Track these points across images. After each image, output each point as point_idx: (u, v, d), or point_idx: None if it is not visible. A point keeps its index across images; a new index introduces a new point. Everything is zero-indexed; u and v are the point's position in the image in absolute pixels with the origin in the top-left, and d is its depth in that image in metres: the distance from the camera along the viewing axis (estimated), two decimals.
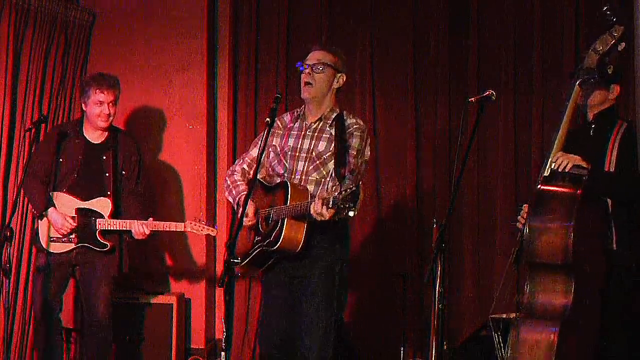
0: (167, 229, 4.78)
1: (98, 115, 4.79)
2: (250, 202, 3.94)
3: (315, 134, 3.97)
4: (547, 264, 3.49)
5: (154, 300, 5.46)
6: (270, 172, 4.07)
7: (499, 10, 5.54)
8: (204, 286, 5.76)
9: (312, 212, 3.65)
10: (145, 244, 5.81)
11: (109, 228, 4.76)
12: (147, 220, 4.76)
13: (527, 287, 3.55)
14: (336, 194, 3.52)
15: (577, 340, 3.44)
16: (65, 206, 4.75)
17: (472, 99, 3.65)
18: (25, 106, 5.29)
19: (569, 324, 3.43)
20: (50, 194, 4.75)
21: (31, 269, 4.92)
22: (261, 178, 4.09)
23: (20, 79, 5.33)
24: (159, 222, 4.79)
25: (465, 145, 3.60)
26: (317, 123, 3.99)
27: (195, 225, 4.80)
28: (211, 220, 5.75)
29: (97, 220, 4.75)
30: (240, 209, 3.87)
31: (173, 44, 5.83)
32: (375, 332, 5.58)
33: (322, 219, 3.63)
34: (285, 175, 3.96)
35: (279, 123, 4.10)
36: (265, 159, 4.10)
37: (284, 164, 3.98)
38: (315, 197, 3.74)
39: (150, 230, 4.75)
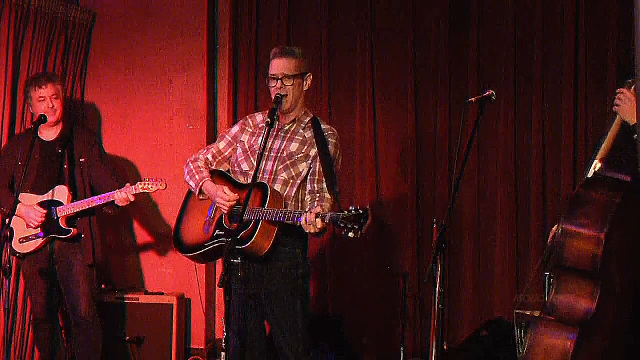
0: (135, 192, 4.74)
1: (44, 111, 4.81)
2: (219, 186, 3.92)
3: (288, 135, 3.96)
4: (575, 269, 3.44)
5: (154, 300, 5.47)
6: (235, 168, 4.03)
7: (499, 10, 5.54)
8: (204, 286, 5.76)
9: (302, 221, 3.62)
10: (145, 244, 5.84)
11: (69, 212, 4.79)
12: (123, 187, 4.77)
13: (552, 288, 3.52)
14: (335, 212, 3.51)
15: (595, 349, 3.40)
16: (28, 204, 4.79)
17: (472, 99, 3.63)
18: (25, 106, 5.29)
19: (588, 332, 3.38)
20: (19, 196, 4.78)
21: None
22: (223, 171, 4.10)
23: (20, 79, 5.34)
24: (130, 187, 4.75)
25: (465, 146, 3.60)
26: (290, 125, 3.98)
27: (145, 184, 4.77)
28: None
29: (57, 208, 4.79)
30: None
31: (173, 44, 5.83)
32: (375, 332, 5.59)
33: (310, 230, 3.61)
34: (250, 173, 3.90)
35: (250, 122, 4.09)
36: (231, 153, 4.09)
37: (251, 161, 3.96)
38: (289, 202, 3.83)
39: (133, 195, 4.75)
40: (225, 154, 4.11)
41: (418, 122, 5.64)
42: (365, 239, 5.62)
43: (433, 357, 3.58)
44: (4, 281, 4.46)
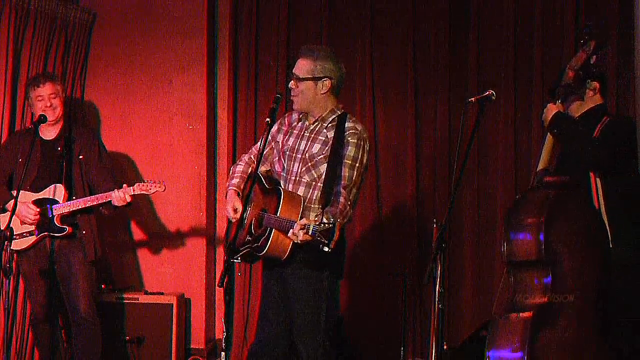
0: (133, 193, 4.76)
1: (43, 110, 4.81)
2: (238, 198, 3.97)
3: (312, 135, 3.91)
4: (523, 261, 3.57)
5: (154, 300, 5.46)
6: (273, 169, 4.04)
7: (499, 10, 5.54)
8: (204, 286, 5.76)
9: (289, 233, 3.64)
10: (145, 244, 5.84)
11: (65, 211, 4.80)
12: (121, 188, 4.78)
13: (510, 285, 3.61)
14: (317, 224, 3.50)
15: (554, 336, 3.48)
16: (23, 201, 4.77)
17: (472, 99, 3.63)
18: (25, 106, 5.29)
19: (545, 316, 3.48)
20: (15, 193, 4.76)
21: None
22: (263, 172, 4.06)
23: (20, 79, 5.34)
24: (127, 188, 4.76)
25: (465, 146, 3.60)
26: (314, 124, 3.93)
27: (143, 186, 4.78)
28: (211, 220, 5.78)
29: (53, 206, 4.80)
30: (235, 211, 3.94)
31: (173, 44, 5.82)
32: (375, 332, 5.59)
33: (295, 240, 3.61)
34: (283, 174, 3.95)
35: (286, 120, 4.07)
36: (270, 152, 4.07)
37: (282, 163, 3.96)
38: (302, 214, 3.78)
39: (130, 196, 4.75)
40: (264, 152, 4.06)
41: (418, 122, 5.63)
42: (365, 239, 5.65)
43: (433, 357, 3.59)
44: (4, 281, 4.46)
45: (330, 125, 3.91)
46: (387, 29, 5.71)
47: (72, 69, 5.70)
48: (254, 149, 4.15)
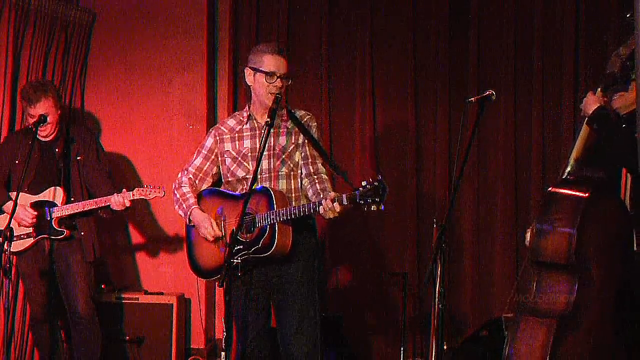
0: (132, 197, 4.74)
1: (32, 125, 4.78)
2: (206, 215, 3.98)
3: (273, 130, 3.93)
4: (551, 263, 3.50)
5: (154, 300, 5.46)
6: (229, 178, 4.03)
7: (499, 10, 5.55)
8: (204, 286, 5.75)
9: (321, 211, 3.67)
10: (145, 244, 5.84)
11: (64, 214, 4.80)
12: (120, 192, 4.76)
13: (533, 285, 3.56)
14: (350, 192, 3.60)
15: (576, 340, 3.44)
16: (21, 203, 4.75)
17: (472, 99, 3.64)
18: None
19: (568, 325, 3.43)
20: (12, 195, 4.76)
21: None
22: (208, 187, 4.11)
23: (20, 79, 5.33)
24: (127, 193, 4.75)
25: (465, 146, 3.60)
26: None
27: (143, 190, 4.76)
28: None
29: (52, 209, 4.80)
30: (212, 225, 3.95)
31: (173, 44, 5.83)
32: (375, 332, 5.59)
33: (331, 216, 3.68)
34: (249, 177, 3.90)
35: (223, 129, 4.07)
36: (215, 167, 4.10)
37: (246, 166, 3.97)
38: (293, 196, 3.91)
39: (130, 200, 4.74)
40: (205, 168, 4.11)
41: (418, 122, 5.64)
42: (365, 239, 5.65)
43: (433, 357, 3.59)
44: (4, 281, 4.46)
45: (285, 117, 4.00)
46: (387, 29, 5.71)
47: (72, 69, 5.70)
48: (191, 168, 4.14)
